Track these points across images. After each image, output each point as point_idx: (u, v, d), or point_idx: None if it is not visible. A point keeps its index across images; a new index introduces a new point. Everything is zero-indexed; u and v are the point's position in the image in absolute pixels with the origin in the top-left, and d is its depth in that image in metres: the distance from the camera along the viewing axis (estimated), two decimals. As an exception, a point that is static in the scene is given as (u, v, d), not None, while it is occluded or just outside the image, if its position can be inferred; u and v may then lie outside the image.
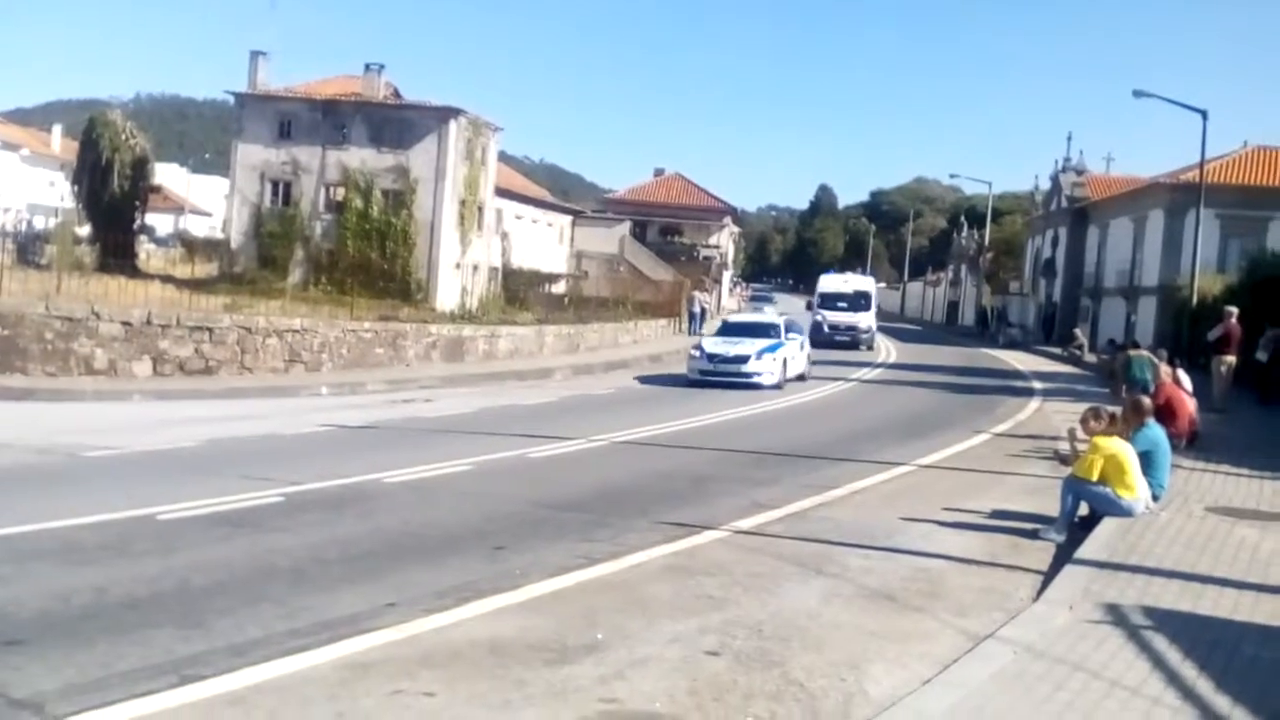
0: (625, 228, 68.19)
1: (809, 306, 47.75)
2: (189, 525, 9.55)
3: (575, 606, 7.62)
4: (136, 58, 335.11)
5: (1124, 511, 10.55)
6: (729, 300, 78.90)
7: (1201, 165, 34.00)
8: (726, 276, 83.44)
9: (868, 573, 8.90)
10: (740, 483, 12.87)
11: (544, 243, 60.75)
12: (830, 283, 47.90)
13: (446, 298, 43.62)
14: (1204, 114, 33.17)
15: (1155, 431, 11.74)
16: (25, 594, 7.31)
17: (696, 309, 49.31)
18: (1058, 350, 44.72)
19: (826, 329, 43.00)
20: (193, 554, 8.59)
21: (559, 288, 53.42)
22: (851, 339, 43.11)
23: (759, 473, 13.72)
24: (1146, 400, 12.38)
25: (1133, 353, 20.29)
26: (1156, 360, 18.92)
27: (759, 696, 6.07)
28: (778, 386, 25.02)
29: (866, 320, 44.40)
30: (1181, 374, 17.42)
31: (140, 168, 51.53)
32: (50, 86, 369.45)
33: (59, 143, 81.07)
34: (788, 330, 27.92)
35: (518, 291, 48.37)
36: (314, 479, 11.79)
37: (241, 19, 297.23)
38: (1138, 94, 34.87)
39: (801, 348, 28.26)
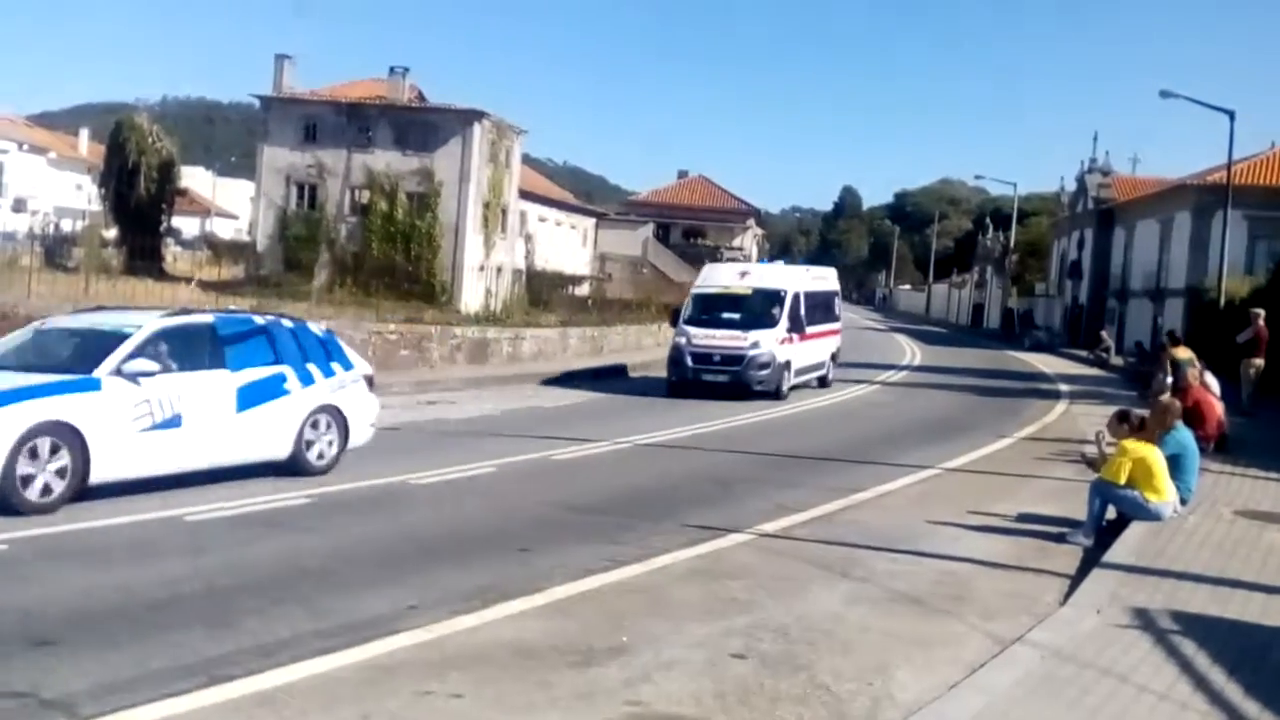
0: (648, 230, 68.23)
1: (674, 320, 25.37)
2: (217, 526, 9.63)
3: (601, 609, 7.63)
4: (163, 61, 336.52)
5: (1152, 515, 10.49)
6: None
7: (1229, 166, 33.68)
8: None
9: (894, 576, 8.88)
10: (765, 485, 12.86)
11: (567, 245, 60.81)
12: (714, 277, 26.32)
13: (470, 300, 43.72)
14: (1231, 114, 32.90)
15: (1183, 435, 11.66)
16: (55, 594, 7.38)
17: (720, 311, 49.02)
18: (1084, 353, 44.38)
19: (690, 361, 22.78)
20: (221, 555, 8.66)
21: (582, 290, 53.48)
22: (733, 378, 22.35)
23: (784, 476, 13.70)
24: (1175, 403, 12.31)
25: (1181, 354, 19.14)
26: (1197, 363, 18.49)
27: (785, 700, 6.06)
28: (40, 508, 9.44)
29: (768, 345, 22.74)
30: (1209, 376, 17.28)
31: (167, 171, 51.84)
32: (77, 90, 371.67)
33: (86, 146, 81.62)
34: (239, 338, 11.82)
35: (541, 294, 48.37)
36: (340, 480, 11.85)
37: (267, 23, 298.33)
38: (1164, 94, 34.62)
39: (308, 381, 12.25)
